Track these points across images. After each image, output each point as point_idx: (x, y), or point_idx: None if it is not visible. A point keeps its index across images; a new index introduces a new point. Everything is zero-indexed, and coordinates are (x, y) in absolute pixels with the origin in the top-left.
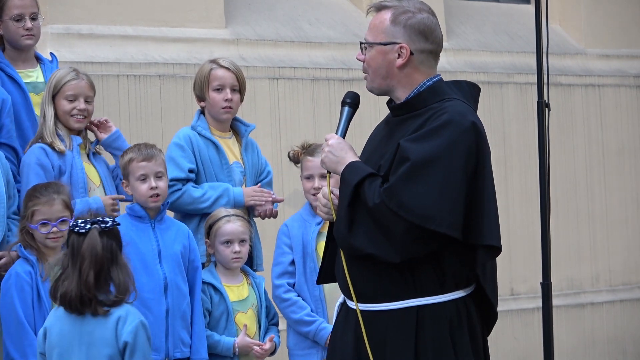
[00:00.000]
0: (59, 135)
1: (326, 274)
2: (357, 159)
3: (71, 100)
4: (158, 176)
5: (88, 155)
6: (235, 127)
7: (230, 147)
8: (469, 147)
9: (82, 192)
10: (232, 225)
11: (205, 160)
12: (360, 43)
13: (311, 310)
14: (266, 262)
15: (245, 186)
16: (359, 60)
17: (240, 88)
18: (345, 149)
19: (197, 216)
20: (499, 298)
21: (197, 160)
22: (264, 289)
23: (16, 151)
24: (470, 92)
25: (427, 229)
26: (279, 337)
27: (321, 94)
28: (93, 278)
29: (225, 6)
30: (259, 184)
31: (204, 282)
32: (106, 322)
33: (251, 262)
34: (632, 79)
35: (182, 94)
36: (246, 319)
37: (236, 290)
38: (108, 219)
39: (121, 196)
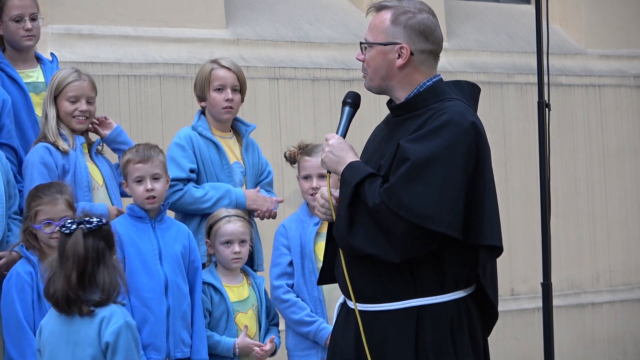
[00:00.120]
0: (61, 135)
1: (327, 275)
2: (358, 159)
3: (73, 102)
4: (155, 178)
5: (90, 155)
6: (236, 127)
7: (231, 147)
8: (469, 147)
9: (86, 191)
10: (232, 225)
11: (205, 160)
12: (360, 43)
13: (310, 311)
14: (266, 262)
15: (246, 186)
16: (359, 60)
17: (241, 88)
18: (346, 149)
19: (197, 216)
20: (499, 298)
21: (197, 160)
22: (265, 289)
23: (16, 151)
24: (470, 92)
25: (427, 229)
26: (280, 337)
27: (321, 94)
28: (76, 278)
29: (225, 6)
30: (258, 188)
31: (204, 283)
32: (91, 322)
33: (252, 263)
34: (632, 79)
35: (182, 94)
36: (246, 319)
37: (236, 290)
38: (94, 220)
39: (123, 211)
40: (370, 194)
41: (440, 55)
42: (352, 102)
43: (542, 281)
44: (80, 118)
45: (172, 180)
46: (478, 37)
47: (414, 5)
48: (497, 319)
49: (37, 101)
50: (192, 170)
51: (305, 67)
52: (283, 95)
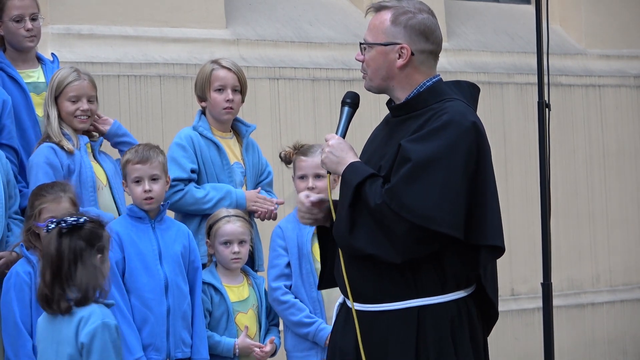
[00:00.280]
0: (65, 135)
1: (327, 279)
2: (358, 160)
3: (74, 102)
4: (153, 179)
5: (94, 155)
6: (236, 128)
7: (231, 148)
8: (470, 147)
9: (91, 191)
10: (231, 225)
11: (206, 161)
12: (360, 43)
13: (309, 312)
14: (266, 263)
15: (246, 187)
16: (358, 60)
17: (241, 89)
18: (346, 150)
19: (197, 216)
20: (499, 298)
21: (198, 161)
22: (265, 290)
23: (17, 151)
24: (470, 92)
25: (429, 230)
26: (280, 338)
27: (321, 94)
28: (50, 277)
29: (225, 6)
30: (259, 189)
31: (204, 283)
32: (70, 321)
33: (252, 263)
34: (632, 79)
35: (182, 94)
36: (246, 319)
37: (237, 290)
38: (69, 218)
39: None
40: (372, 195)
41: (440, 55)
42: (352, 102)
43: (542, 281)
44: (82, 117)
45: (173, 180)
46: (478, 37)
47: (414, 5)
48: (497, 318)
49: (38, 101)
50: (193, 171)
51: (305, 67)
52: (283, 95)
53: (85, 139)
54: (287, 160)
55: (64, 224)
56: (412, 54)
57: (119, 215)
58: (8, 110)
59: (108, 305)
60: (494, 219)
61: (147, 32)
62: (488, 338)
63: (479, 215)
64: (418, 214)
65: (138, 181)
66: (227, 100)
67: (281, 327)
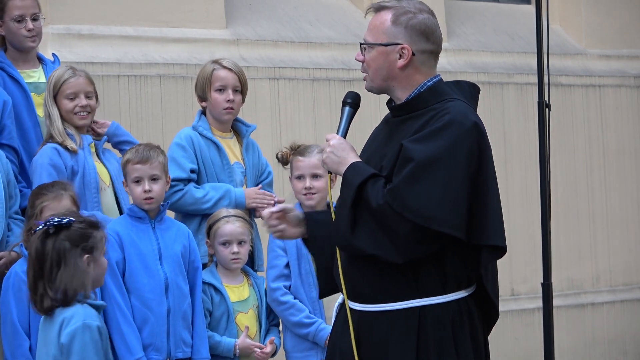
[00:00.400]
0: (68, 134)
1: (325, 288)
2: (359, 160)
3: (72, 99)
4: (153, 179)
5: (98, 155)
6: (236, 128)
7: (231, 148)
8: (471, 147)
9: (95, 192)
10: (230, 226)
11: (206, 161)
12: (360, 44)
13: (309, 312)
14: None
15: (246, 187)
16: (358, 60)
17: (242, 89)
18: (347, 150)
19: (198, 216)
20: (499, 298)
21: (198, 161)
22: (265, 290)
23: (17, 152)
24: (470, 92)
25: (431, 230)
26: (280, 338)
27: (322, 94)
28: (32, 278)
29: (225, 6)
30: (260, 185)
31: (204, 283)
32: (54, 322)
33: (252, 263)
34: (632, 79)
35: (182, 94)
36: (247, 319)
37: (237, 290)
38: (54, 219)
39: None
40: (374, 195)
41: (440, 55)
42: (352, 102)
43: (542, 281)
44: (82, 114)
45: (173, 180)
46: (478, 37)
47: (414, 5)
48: (497, 318)
49: (39, 101)
50: (192, 171)
51: (305, 67)
52: (283, 95)
53: (89, 138)
54: (284, 160)
55: (49, 224)
56: (413, 54)
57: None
58: (8, 111)
59: (98, 307)
60: (496, 219)
61: (147, 32)
62: (488, 338)
63: (480, 215)
64: (420, 214)
65: (138, 181)
66: (228, 100)
67: (281, 327)
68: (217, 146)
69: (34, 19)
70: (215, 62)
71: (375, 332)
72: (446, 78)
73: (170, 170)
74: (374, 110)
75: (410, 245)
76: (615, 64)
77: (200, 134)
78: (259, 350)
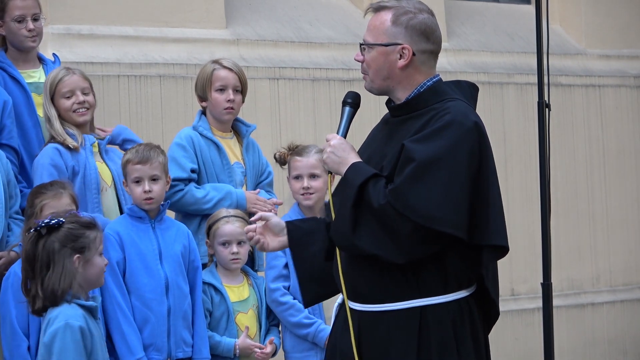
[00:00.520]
0: (69, 133)
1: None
2: (360, 160)
3: (69, 97)
4: (153, 179)
5: (101, 154)
6: (236, 128)
7: (232, 148)
8: (472, 147)
9: (95, 192)
10: (230, 226)
11: (206, 161)
12: (360, 44)
13: (308, 313)
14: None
15: (246, 187)
16: (358, 61)
17: (242, 89)
18: (348, 150)
19: (198, 216)
20: (499, 298)
21: (198, 161)
22: (265, 290)
23: (17, 152)
24: (470, 92)
25: (433, 230)
26: (280, 338)
27: (321, 94)
28: (24, 279)
29: (225, 6)
30: (258, 190)
31: (204, 283)
32: (43, 322)
33: (252, 263)
34: (632, 79)
35: (182, 94)
36: (247, 319)
37: (237, 290)
38: (44, 220)
39: None
40: (375, 195)
41: (440, 55)
42: (352, 102)
43: (542, 281)
44: (80, 110)
45: (173, 180)
46: (478, 37)
47: (414, 5)
48: (497, 317)
49: (39, 101)
50: (193, 171)
51: (305, 67)
52: (283, 95)
53: (92, 138)
54: (281, 161)
55: (40, 226)
56: (414, 54)
57: None
58: (9, 111)
59: (90, 308)
60: (497, 219)
61: (147, 32)
62: (488, 338)
63: (481, 215)
64: (422, 214)
65: (138, 181)
66: (228, 100)
67: (281, 327)
68: (217, 146)
69: (35, 19)
70: (216, 62)
71: (376, 333)
72: (446, 78)
73: (171, 170)
74: (374, 110)
75: (412, 245)
76: (615, 64)
77: (200, 134)
78: (259, 350)
